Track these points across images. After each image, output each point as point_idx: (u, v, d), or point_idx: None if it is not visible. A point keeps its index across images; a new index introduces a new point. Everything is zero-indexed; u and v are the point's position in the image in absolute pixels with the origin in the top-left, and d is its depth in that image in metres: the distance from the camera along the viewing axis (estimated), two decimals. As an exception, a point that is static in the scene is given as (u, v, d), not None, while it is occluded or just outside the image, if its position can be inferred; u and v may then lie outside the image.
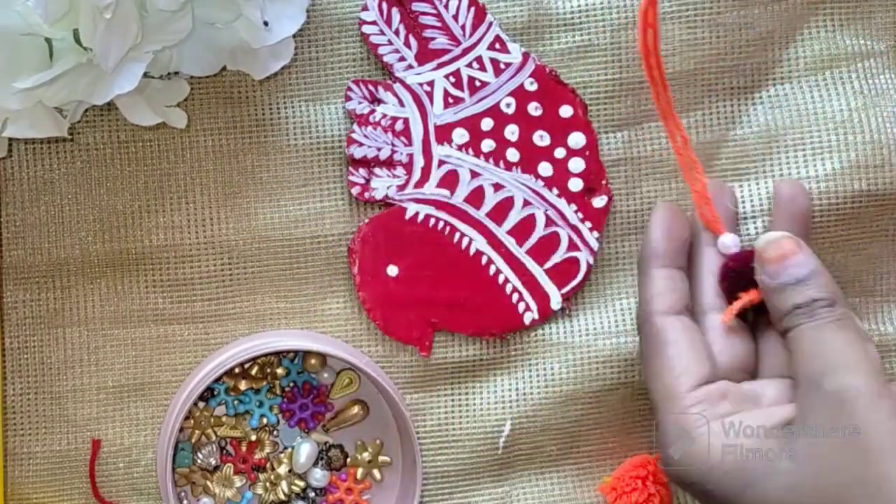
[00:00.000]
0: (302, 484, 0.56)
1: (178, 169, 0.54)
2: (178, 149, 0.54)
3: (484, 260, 0.56)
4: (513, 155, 0.55)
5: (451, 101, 0.55)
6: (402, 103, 0.55)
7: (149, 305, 0.55)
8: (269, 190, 0.55)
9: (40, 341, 0.55)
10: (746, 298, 0.50)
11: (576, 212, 0.56)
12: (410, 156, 0.55)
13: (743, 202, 0.56)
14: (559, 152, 0.56)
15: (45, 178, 0.54)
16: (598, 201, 0.56)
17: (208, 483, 0.56)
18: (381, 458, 0.57)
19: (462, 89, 0.55)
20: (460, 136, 0.55)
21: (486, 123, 0.55)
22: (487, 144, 0.55)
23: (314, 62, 0.55)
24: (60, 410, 0.55)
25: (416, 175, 0.55)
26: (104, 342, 0.55)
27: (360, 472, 0.56)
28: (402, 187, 0.55)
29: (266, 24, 0.49)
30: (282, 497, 0.56)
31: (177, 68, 0.51)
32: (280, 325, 0.56)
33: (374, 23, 0.54)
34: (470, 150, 0.55)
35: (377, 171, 0.55)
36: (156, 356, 0.55)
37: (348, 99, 0.54)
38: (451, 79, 0.55)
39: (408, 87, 0.55)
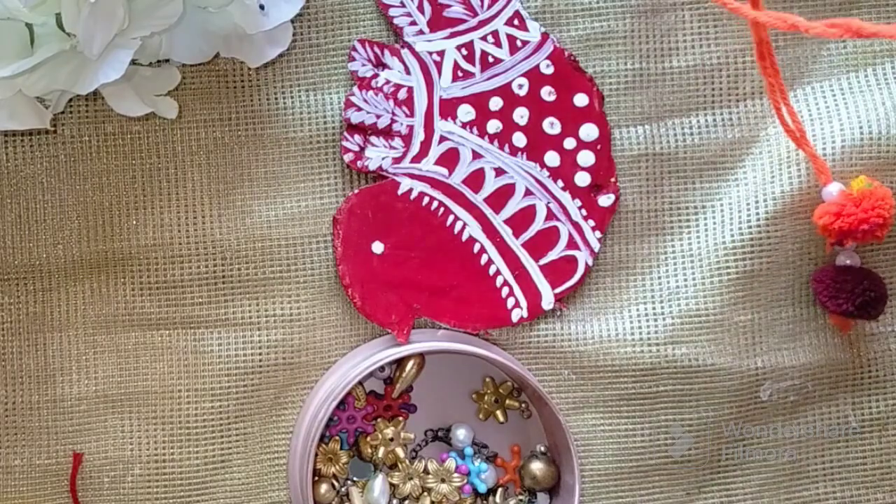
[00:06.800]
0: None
1: (169, 163, 0.54)
2: (168, 141, 0.54)
3: (476, 248, 0.55)
4: (519, 140, 0.55)
5: (460, 74, 0.55)
6: (408, 71, 0.54)
7: (135, 309, 0.54)
8: (266, 186, 0.54)
9: (19, 348, 0.54)
10: None
11: (580, 208, 0.55)
12: (410, 128, 0.54)
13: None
14: (569, 143, 0.55)
15: (25, 173, 0.54)
16: (605, 199, 0.55)
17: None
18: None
19: (473, 63, 0.55)
20: (466, 112, 0.54)
21: (495, 103, 0.54)
22: (494, 125, 0.55)
23: (314, 48, 0.54)
24: (40, 422, 0.54)
25: (415, 149, 0.54)
26: (87, 349, 0.54)
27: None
28: (398, 160, 0.54)
29: (262, 7, 0.49)
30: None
31: (167, 55, 0.50)
32: (278, 331, 0.55)
33: None
34: (474, 129, 0.55)
35: (373, 139, 0.54)
36: (143, 364, 0.55)
37: (352, 59, 0.54)
38: (463, 51, 0.55)
39: (416, 55, 0.54)
